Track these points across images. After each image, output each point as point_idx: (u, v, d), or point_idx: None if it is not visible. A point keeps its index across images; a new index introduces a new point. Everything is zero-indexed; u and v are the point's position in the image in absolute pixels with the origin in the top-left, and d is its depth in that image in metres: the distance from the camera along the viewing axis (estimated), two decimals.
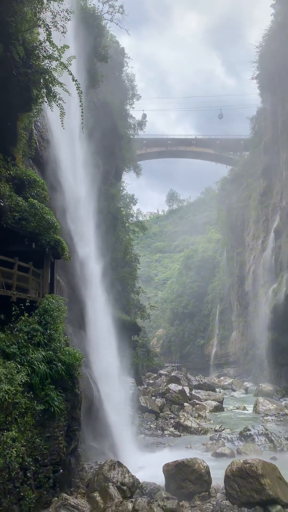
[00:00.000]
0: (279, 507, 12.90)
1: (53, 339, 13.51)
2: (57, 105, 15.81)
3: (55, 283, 18.11)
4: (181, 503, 13.59)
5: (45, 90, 15.72)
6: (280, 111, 56.33)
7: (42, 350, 12.78)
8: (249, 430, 23.92)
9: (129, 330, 48.19)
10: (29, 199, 15.59)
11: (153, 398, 34.33)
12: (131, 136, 64.60)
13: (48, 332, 13.51)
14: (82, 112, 16.88)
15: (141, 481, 14.94)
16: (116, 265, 43.78)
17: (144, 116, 75.38)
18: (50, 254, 16.27)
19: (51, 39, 15.24)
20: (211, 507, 13.46)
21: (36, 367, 12.01)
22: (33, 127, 20.29)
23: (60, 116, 15.94)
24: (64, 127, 16.35)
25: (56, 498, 11.39)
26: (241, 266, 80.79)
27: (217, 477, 15.22)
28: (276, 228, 58.59)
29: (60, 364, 12.96)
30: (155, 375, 56.31)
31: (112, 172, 51.42)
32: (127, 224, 57.76)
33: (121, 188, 61.03)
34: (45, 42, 15.39)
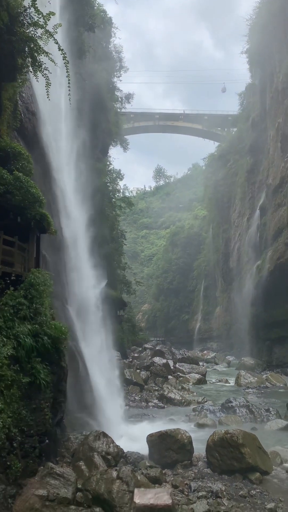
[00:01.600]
0: (257, 474, 13.45)
1: (39, 313, 13.47)
2: (42, 75, 15.29)
3: (41, 258, 18.00)
4: (164, 471, 14.03)
5: (30, 59, 15.16)
6: (269, 87, 55.60)
7: (28, 324, 12.76)
8: (230, 402, 24.53)
9: (115, 305, 48.52)
10: (14, 172, 15.26)
11: (138, 371, 34.92)
12: (118, 110, 63.40)
13: (34, 306, 13.46)
14: (69, 83, 16.31)
15: (125, 450, 15.30)
16: (102, 241, 43.66)
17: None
18: (36, 228, 16.08)
19: (36, 5, 14.65)
20: (193, 474, 13.93)
21: (22, 341, 12.01)
22: (18, 98, 19.70)
23: (45, 87, 15.40)
24: (49, 99, 15.89)
25: (42, 467, 11.61)
26: (226, 243, 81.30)
27: (199, 447, 15.70)
28: (261, 206, 58.78)
29: (46, 337, 12.98)
30: (140, 349, 57.23)
31: (99, 146, 50.58)
32: (113, 199, 57.35)
33: (108, 163, 60.25)
34: (29, 8, 14.76)
